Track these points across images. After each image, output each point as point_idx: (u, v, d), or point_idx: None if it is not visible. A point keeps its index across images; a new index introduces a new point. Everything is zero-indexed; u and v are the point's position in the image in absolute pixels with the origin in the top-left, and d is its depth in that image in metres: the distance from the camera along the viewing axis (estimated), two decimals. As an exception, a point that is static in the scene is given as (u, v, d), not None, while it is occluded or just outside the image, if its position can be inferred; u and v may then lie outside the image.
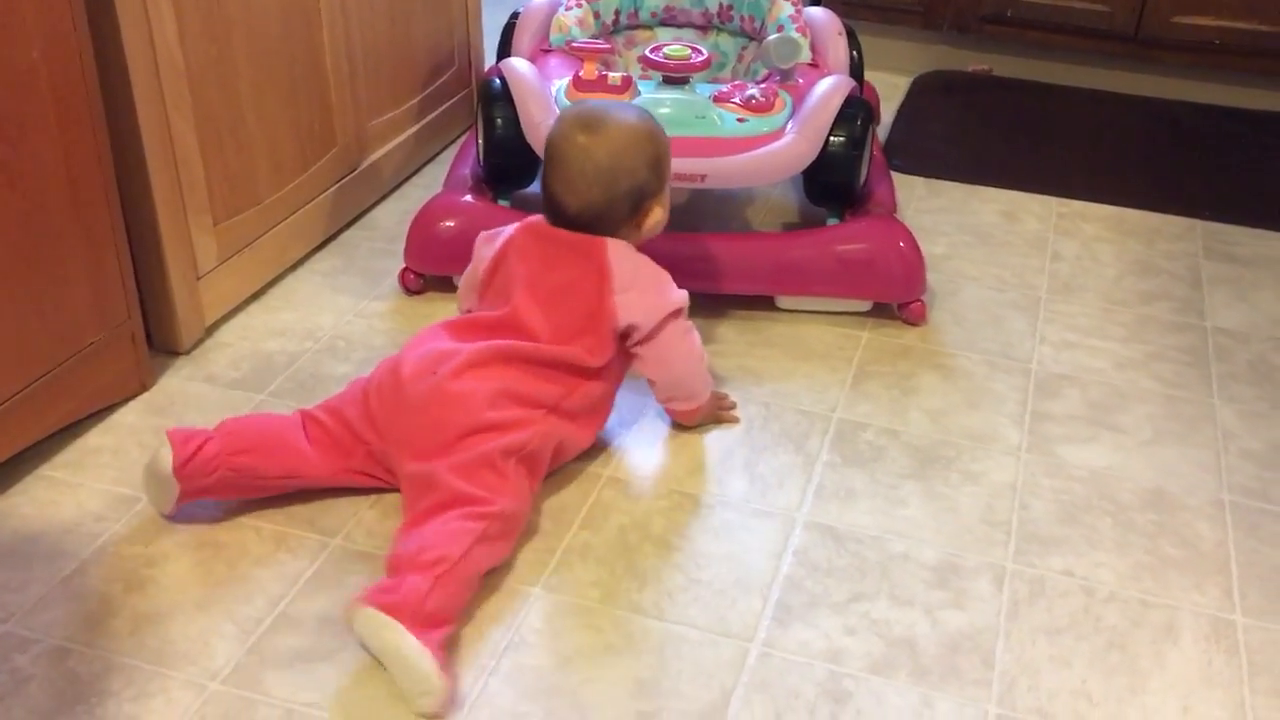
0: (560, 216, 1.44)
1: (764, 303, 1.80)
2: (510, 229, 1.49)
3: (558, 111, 1.73)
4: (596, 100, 1.63)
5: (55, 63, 1.33)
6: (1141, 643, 1.27)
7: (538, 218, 1.48)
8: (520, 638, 1.24)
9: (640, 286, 1.42)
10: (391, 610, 1.13)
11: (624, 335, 1.44)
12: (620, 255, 1.42)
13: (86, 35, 1.37)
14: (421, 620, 1.14)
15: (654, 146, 1.45)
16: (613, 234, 1.44)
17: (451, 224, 1.77)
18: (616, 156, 1.42)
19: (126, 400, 1.55)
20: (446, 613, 1.19)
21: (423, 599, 1.15)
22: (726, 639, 1.25)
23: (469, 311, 1.52)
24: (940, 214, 2.12)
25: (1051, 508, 1.45)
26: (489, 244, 1.50)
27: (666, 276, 1.47)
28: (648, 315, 1.43)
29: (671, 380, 1.49)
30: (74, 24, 1.34)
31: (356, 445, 1.36)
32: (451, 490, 1.26)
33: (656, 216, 1.47)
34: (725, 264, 1.76)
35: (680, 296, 1.46)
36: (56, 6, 1.32)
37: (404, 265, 1.82)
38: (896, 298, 1.79)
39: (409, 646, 1.12)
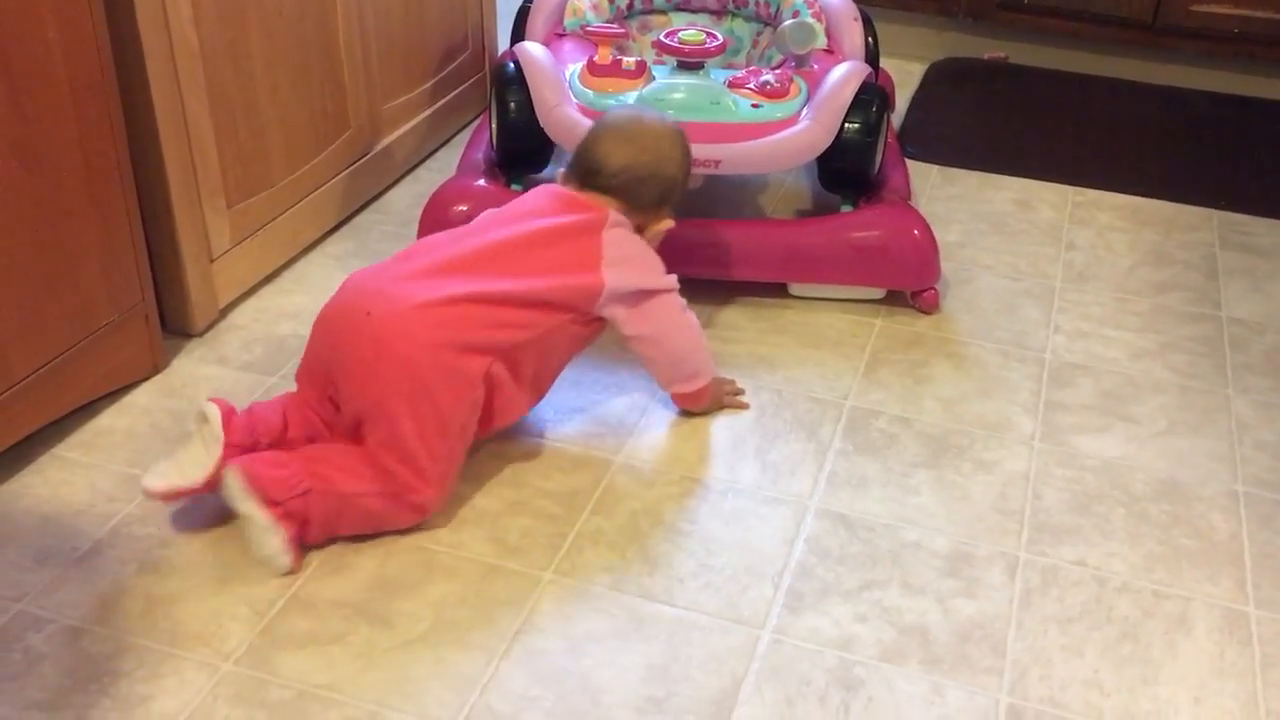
0: (593, 173, 1.44)
1: (776, 290, 1.79)
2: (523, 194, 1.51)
3: (571, 96, 1.73)
4: None
5: (71, 43, 1.33)
6: (1154, 633, 1.27)
7: (554, 184, 1.49)
8: (531, 622, 1.24)
9: (630, 262, 1.42)
10: (254, 483, 1.24)
11: (602, 313, 1.42)
12: (617, 232, 1.43)
13: (102, 15, 1.37)
14: (276, 508, 1.25)
15: (690, 163, 1.52)
16: (630, 213, 1.44)
17: (464, 208, 1.76)
18: (673, 145, 1.48)
19: (139, 382, 1.55)
20: (306, 518, 1.27)
21: (289, 494, 1.25)
22: (737, 625, 1.25)
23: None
24: (954, 202, 2.11)
25: (1064, 497, 1.45)
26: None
27: (659, 263, 1.47)
28: (630, 286, 1.41)
29: (671, 358, 1.48)
30: (90, 4, 1.34)
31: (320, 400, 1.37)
32: (391, 449, 1.28)
33: (666, 224, 1.49)
34: (738, 250, 1.75)
35: (670, 280, 1.47)
36: (72, -13, 1.32)
37: (416, 250, 1.82)
38: (910, 285, 1.78)
39: (261, 520, 1.25)
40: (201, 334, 1.66)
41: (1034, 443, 1.53)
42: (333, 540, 1.32)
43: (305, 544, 1.30)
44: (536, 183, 1.83)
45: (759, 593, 1.29)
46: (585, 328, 1.43)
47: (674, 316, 1.47)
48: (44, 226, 1.35)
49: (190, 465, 1.29)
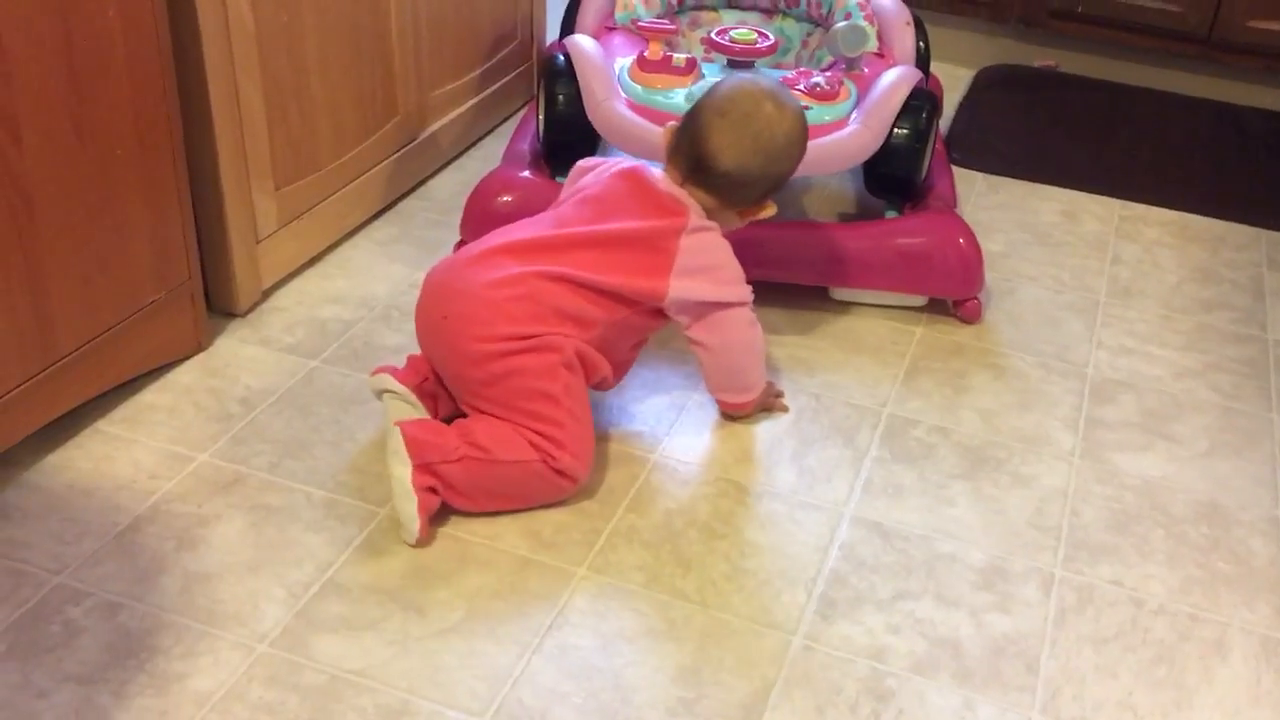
0: (701, 170, 1.39)
1: (817, 293, 1.78)
2: (615, 167, 1.46)
3: (620, 91, 1.72)
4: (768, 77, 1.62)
5: (130, 22, 1.34)
6: (1190, 657, 1.26)
7: (640, 165, 1.45)
8: (564, 618, 1.25)
9: (703, 274, 1.40)
10: (412, 445, 1.28)
11: (669, 313, 1.42)
12: (697, 239, 1.39)
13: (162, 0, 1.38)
14: (426, 475, 1.30)
15: (805, 148, 1.46)
16: (731, 208, 1.42)
17: (508, 199, 1.77)
18: (790, 140, 1.42)
19: (183, 360, 1.57)
20: (456, 487, 1.32)
21: (444, 459, 1.30)
22: (770, 630, 1.25)
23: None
24: (999, 211, 2.09)
25: (1102, 515, 1.43)
26: (592, 171, 1.48)
27: (737, 273, 1.44)
28: (697, 298, 1.40)
29: (727, 370, 1.48)
30: (150, -15, 1.35)
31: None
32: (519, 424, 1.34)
33: (768, 211, 1.46)
34: (780, 252, 1.74)
35: (745, 292, 1.45)
36: (133, -33, 1.33)
37: (459, 238, 1.82)
38: (953, 294, 1.77)
39: (405, 484, 1.29)
40: (245, 314, 1.67)
41: (1073, 459, 1.52)
42: (481, 514, 1.36)
43: (455, 509, 1.34)
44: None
45: (792, 598, 1.29)
46: (655, 319, 1.44)
47: (739, 332, 1.45)
48: (97, 203, 1.37)
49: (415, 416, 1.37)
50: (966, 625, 1.27)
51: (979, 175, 2.20)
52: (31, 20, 1.23)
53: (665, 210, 1.40)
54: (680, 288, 1.39)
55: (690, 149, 1.40)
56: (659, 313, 1.42)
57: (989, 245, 1.92)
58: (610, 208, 1.41)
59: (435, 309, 1.38)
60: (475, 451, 1.31)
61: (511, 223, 1.47)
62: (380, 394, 1.40)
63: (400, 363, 1.44)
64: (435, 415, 1.41)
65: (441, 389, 1.42)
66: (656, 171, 1.44)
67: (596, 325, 1.38)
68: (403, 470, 1.29)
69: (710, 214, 1.42)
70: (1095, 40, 2.56)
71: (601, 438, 1.48)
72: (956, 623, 1.27)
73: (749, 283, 1.45)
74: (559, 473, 1.34)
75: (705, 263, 1.40)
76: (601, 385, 1.46)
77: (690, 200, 1.41)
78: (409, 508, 1.29)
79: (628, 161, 1.48)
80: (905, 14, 2.01)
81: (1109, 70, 2.60)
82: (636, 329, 1.44)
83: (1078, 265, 1.95)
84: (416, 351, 1.45)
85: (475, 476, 1.32)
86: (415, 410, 1.38)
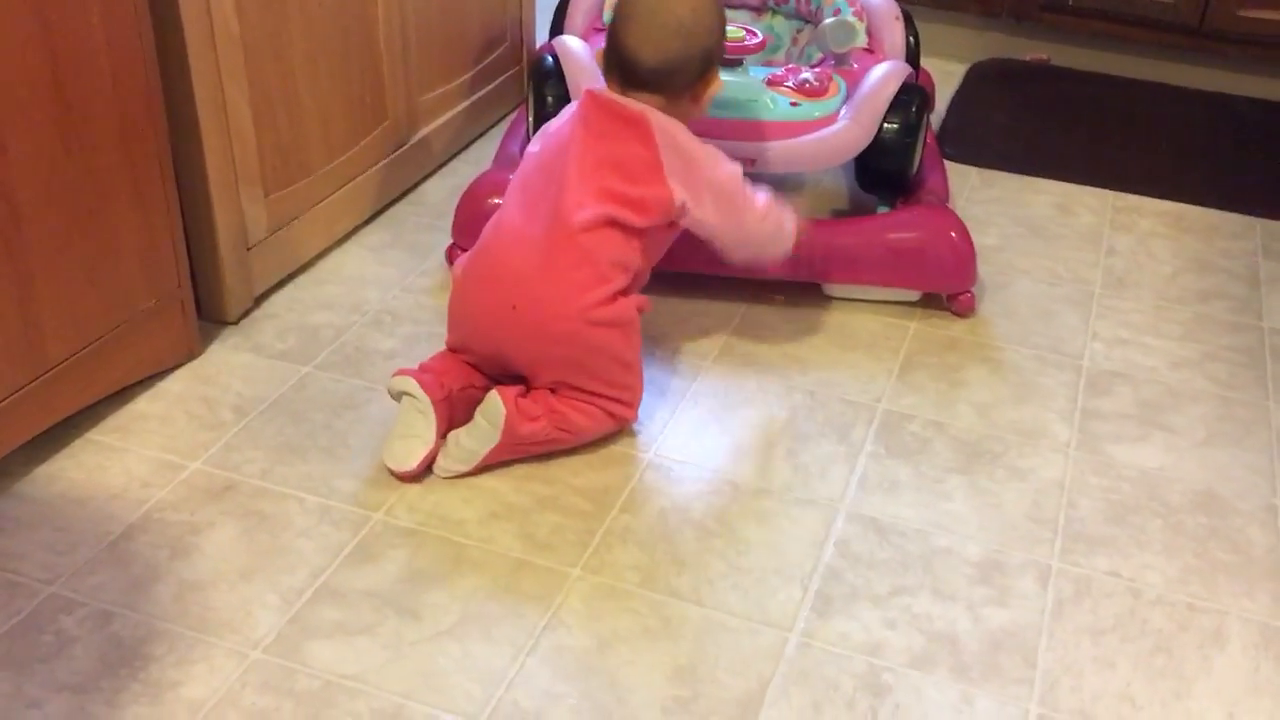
0: (630, 73, 1.43)
1: (811, 289, 1.78)
2: (574, 105, 1.50)
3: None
4: None
5: (114, 28, 1.34)
6: (1188, 647, 1.25)
7: (600, 87, 1.48)
8: (559, 619, 1.24)
9: (689, 168, 1.43)
10: (507, 401, 1.37)
11: (682, 222, 1.46)
12: (666, 137, 1.42)
13: (145, 3, 1.37)
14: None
15: (720, 14, 1.48)
16: (677, 97, 1.44)
17: (499, 201, 1.76)
18: (696, 13, 1.44)
19: (175, 368, 1.56)
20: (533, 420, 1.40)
21: (528, 418, 1.39)
22: (765, 627, 1.24)
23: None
24: (993, 205, 2.09)
25: (1099, 507, 1.43)
26: (556, 119, 1.52)
27: (713, 157, 1.46)
28: (695, 190, 1.43)
29: (752, 247, 1.54)
30: (133, -6, 1.35)
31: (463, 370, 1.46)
32: (597, 394, 1.43)
33: (716, 85, 1.48)
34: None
35: (733, 170, 1.47)
36: (116, -27, 1.32)
37: (451, 241, 1.82)
38: (946, 289, 1.77)
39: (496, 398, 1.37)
40: (236, 322, 1.66)
41: (1069, 450, 1.52)
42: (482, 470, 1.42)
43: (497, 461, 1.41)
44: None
45: (788, 595, 1.28)
46: (671, 230, 1.47)
47: (747, 213, 1.49)
48: (84, 212, 1.36)
49: (423, 431, 1.39)
50: (964, 619, 1.26)
51: (972, 169, 2.20)
52: (13, 29, 1.23)
53: (629, 120, 1.43)
54: (679, 191, 1.42)
55: (616, 60, 1.45)
56: (674, 225, 1.46)
57: (983, 239, 1.92)
58: (592, 138, 1.43)
59: (499, 300, 1.40)
60: (564, 436, 1.42)
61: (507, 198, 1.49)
62: (399, 395, 1.41)
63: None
64: (449, 427, 1.41)
65: (459, 401, 1.42)
66: (609, 92, 1.47)
67: (637, 255, 1.42)
68: (485, 446, 1.38)
69: (666, 112, 1.44)
70: (1087, 33, 2.55)
71: (596, 438, 1.48)
72: (953, 617, 1.27)
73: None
74: (620, 423, 1.47)
75: (685, 158, 1.43)
76: (643, 309, 1.49)
77: (641, 104, 1.43)
78: (498, 403, 1.37)
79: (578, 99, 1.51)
80: (894, 9, 2.01)
81: (1101, 62, 2.60)
82: (660, 244, 1.48)
83: (1072, 257, 1.94)
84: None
85: (549, 447, 1.43)
86: (426, 422, 1.38)
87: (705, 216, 1.45)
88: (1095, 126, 2.39)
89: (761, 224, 1.51)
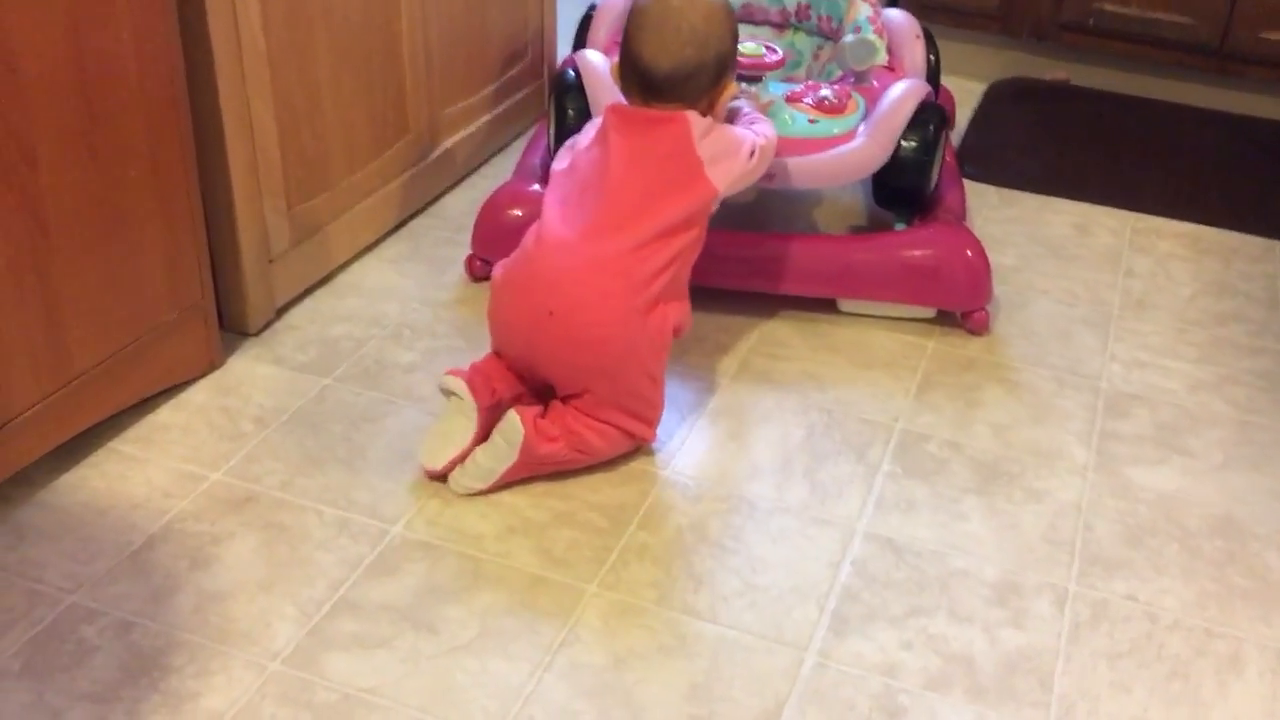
0: (648, 83, 1.45)
1: (826, 305, 1.78)
2: (599, 120, 1.52)
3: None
4: None
5: (143, 45, 1.35)
6: (1205, 672, 1.25)
7: (619, 101, 1.50)
8: (575, 635, 1.24)
9: (725, 155, 1.46)
10: (526, 447, 1.38)
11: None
12: (699, 130, 1.45)
13: (174, 19, 1.39)
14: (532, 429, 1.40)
15: (733, 20, 1.51)
16: (694, 104, 1.46)
17: (519, 212, 1.77)
18: (708, 21, 1.46)
19: (196, 379, 1.58)
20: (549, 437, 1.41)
21: (547, 439, 1.40)
22: (781, 646, 1.25)
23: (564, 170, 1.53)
24: (1011, 224, 2.09)
25: (1117, 530, 1.43)
26: (581, 136, 1.54)
27: (742, 139, 1.50)
28: (734, 183, 1.48)
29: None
30: (163, 13, 1.36)
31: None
32: (617, 410, 1.43)
33: (731, 90, 1.51)
34: (789, 265, 1.75)
35: (751, 142, 1.50)
36: (147, -9, 1.34)
37: (470, 252, 1.83)
38: (961, 306, 1.77)
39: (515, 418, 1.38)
40: (257, 333, 1.67)
41: (1087, 473, 1.52)
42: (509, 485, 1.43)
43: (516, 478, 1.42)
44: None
45: (804, 614, 1.29)
46: (706, 214, 1.48)
47: (754, 174, 1.52)
48: (110, 223, 1.38)
49: (459, 434, 1.41)
50: (980, 641, 1.26)
51: (991, 189, 2.20)
52: (45, 44, 1.24)
53: (661, 121, 1.45)
54: (718, 175, 1.45)
55: (632, 72, 1.47)
56: (707, 210, 1.48)
57: (1001, 259, 1.92)
58: (626, 149, 1.45)
59: (536, 305, 1.41)
60: (580, 457, 1.43)
61: (534, 216, 1.50)
62: (448, 394, 1.43)
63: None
64: (486, 435, 1.42)
65: (497, 409, 1.44)
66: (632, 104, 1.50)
67: (675, 260, 1.43)
68: (504, 465, 1.39)
69: None
70: (1107, 53, 2.55)
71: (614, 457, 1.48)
72: (970, 639, 1.27)
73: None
74: (638, 444, 1.48)
75: (719, 148, 1.46)
76: (680, 332, 1.50)
77: (668, 105, 1.46)
78: (517, 420, 1.37)
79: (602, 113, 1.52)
80: (915, 27, 2.01)
81: (1121, 83, 2.60)
82: (698, 243, 1.48)
83: (1090, 278, 1.94)
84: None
85: (565, 466, 1.44)
86: (467, 426, 1.41)
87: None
88: (1115, 147, 2.39)
89: (749, 168, 1.52)
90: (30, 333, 1.31)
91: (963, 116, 2.44)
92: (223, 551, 1.32)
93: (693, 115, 1.45)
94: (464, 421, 1.41)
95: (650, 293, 1.41)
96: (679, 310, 1.47)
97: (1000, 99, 2.56)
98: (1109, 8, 2.48)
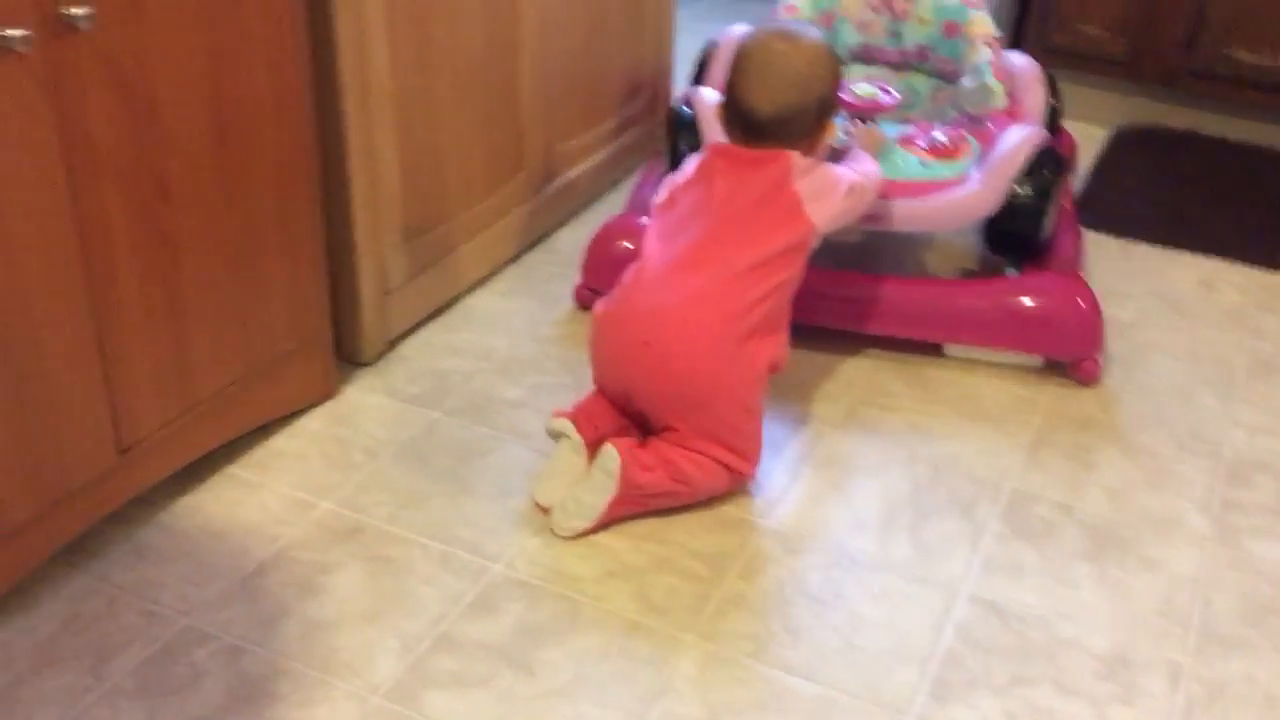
0: (750, 124, 1.47)
1: (931, 349, 1.76)
2: (698, 157, 1.54)
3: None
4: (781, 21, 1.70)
5: (279, 86, 1.40)
6: (1327, 765, 1.19)
7: (721, 142, 1.52)
8: (671, 685, 1.24)
9: (824, 191, 1.48)
10: (624, 476, 1.39)
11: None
12: (801, 170, 1.47)
13: (308, 65, 1.43)
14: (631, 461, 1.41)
15: (837, 65, 1.54)
16: (794, 145, 1.47)
17: (630, 244, 1.78)
18: (811, 64, 1.49)
19: (312, 407, 1.62)
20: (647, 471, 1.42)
21: (644, 467, 1.41)
22: (880, 708, 1.23)
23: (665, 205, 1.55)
24: (1132, 277, 2.03)
25: (1236, 605, 1.37)
26: (680, 173, 1.55)
27: (841, 176, 1.51)
28: (832, 219, 1.49)
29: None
30: (297, 55, 1.41)
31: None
32: (715, 442, 1.44)
33: (832, 131, 1.54)
34: (896, 307, 1.74)
35: (849, 181, 1.51)
36: (284, 40, 1.38)
37: (580, 281, 1.85)
38: (1069, 355, 1.73)
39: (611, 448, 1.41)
40: (372, 364, 1.71)
41: (1205, 544, 1.46)
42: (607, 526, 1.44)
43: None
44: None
45: (904, 677, 1.26)
46: (803, 254, 1.50)
47: (854, 211, 1.54)
48: (238, 256, 1.42)
49: (568, 471, 1.44)
50: (1087, 715, 1.23)
51: (1112, 239, 2.14)
52: (186, 85, 1.30)
53: (764, 161, 1.47)
54: (817, 212, 1.46)
55: (734, 114, 1.49)
56: (805, 246, 1.49)
57: (1119, 313, 1.87)
58: (728, 185, 1.47)
59: (633, 337, 1.44)
60: (680, 488, 1.43)
61: (640, 245, 1.54)
62: (556, 437, 1.47)
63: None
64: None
65: (600, 445, 1.45)
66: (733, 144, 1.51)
67: (772, 294, 1.45)
68: (604, 499, 1.41)
69: None
70: (1235, 102, 2.47)
71: (713, 500, 1.48)
72: (1076, 712, 1.23)
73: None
74: (738, 479, 1.47)
75: (819, 185, 1.48)
76: (776, 368, 1.51)
77: (770, 146, 1.47)
78: (613, 451, 1.40)
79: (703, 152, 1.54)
80: (1037, 71, 1.98)
81: (1250, 132, 2.51)
82: (796, 279, 1.49)
83: (1214, 337, 1.88)
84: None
85: (667, 501, 1.45)
86: (580, 461, 1.45)
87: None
88: (1244, 199, 2.31)
89: (848, 206, 1.52)
90: (160, 358, 1.37)
91: (1085, 163, 2.39)
92: (330, 581, 1.35)
93: (795, 155, 1.47)
94: (575, 458, 1.44)
95: (745, 325, 1.42)
96: (775, 344, 1.48)
97: (1125, 146, 2.50)
98: (1241, 56, 2.40)
